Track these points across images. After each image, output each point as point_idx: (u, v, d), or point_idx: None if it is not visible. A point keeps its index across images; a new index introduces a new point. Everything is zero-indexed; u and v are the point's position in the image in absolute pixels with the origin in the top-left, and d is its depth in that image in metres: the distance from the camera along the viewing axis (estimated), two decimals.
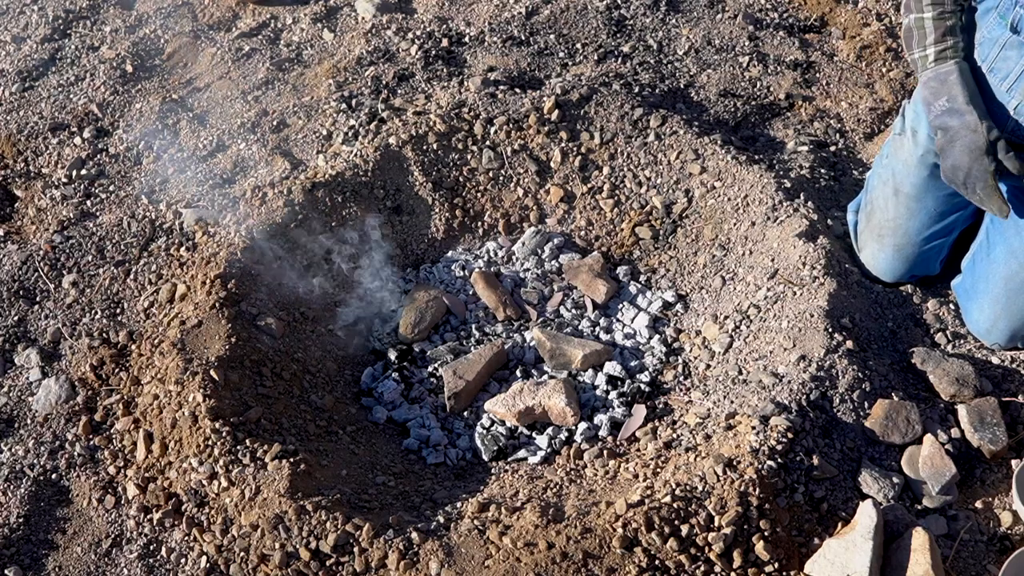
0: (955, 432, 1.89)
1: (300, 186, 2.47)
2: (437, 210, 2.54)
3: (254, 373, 2.07)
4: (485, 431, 2.10)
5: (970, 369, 1.96)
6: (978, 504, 1.83)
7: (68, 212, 2.60)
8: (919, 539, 1.63)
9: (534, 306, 2.37)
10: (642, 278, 2.43)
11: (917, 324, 2.18)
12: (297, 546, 1.72)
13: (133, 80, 3.10)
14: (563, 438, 2.06)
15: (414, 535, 1.71)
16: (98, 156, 2.81)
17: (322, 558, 1.72)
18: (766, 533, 1.67)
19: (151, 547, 1.85)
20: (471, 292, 2.41)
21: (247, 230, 2.35)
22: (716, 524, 1.66)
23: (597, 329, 2.31)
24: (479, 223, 2.56)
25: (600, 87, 2.68)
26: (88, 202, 2.64)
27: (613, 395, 2.12)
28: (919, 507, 1.80)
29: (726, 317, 2.21)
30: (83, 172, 2.74)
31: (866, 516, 1.66)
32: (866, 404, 1.90)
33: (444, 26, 3.15)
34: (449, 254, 2.52)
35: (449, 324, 2.37)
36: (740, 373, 2.04)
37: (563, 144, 2.57)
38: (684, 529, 1.64)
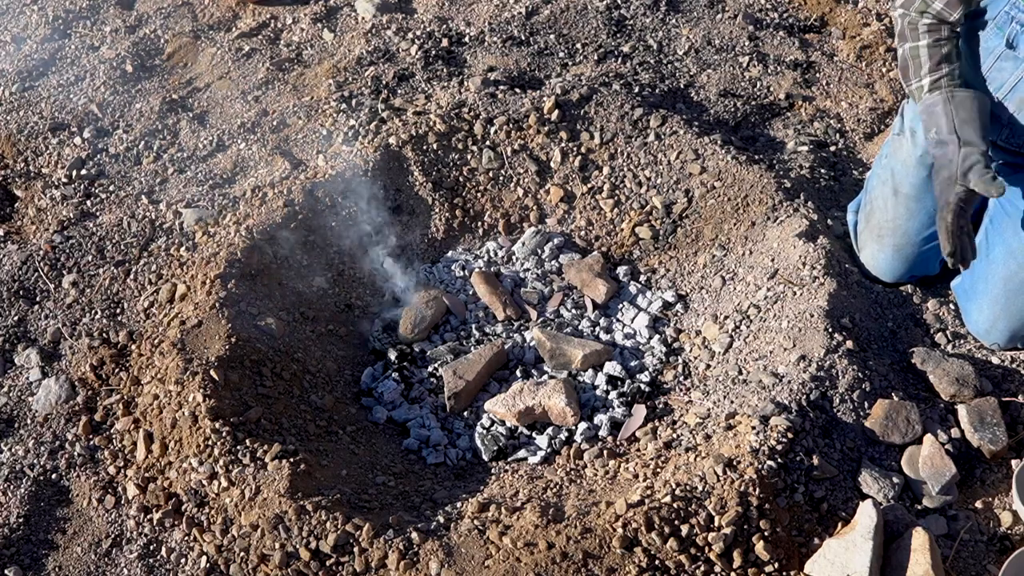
0: (955, 432, 1.89)
1: (300, 186, 2.47)
2: (437, 210, 2.54)
3: (254, 373, 2.07)
4: (485, 431, 2.10)
5: (970, 369, 1.96)
6: (978, 504, 1.83)
7: (68, 212, 2.60)
8: (919, 539, 1.63)
9: (534, 306, 2.37)
10: (642, 278, 2.43)
11: (917, 324, 2.18)
12: (297, 546, 1.72)
13: (133, 80, 3.10)
14: (563, 438, 2.06)
15: (414, 535, 1.71)
16: (98, 156, 2.81)
17: (322, 558, 1.72)
18: (766, 533, 1.67)
19: (151, 547, 1.85)
20: (471, 292, 2.41)
21: (247, 230, 2.35)
22: (716, 524, 1.66)
23: (597, 329, 2.32)
24: (479, 223, 2.56)
25: (600, 87, 2.68)
26: (88, 202, 2.64)
27: (613, 395, 2.12)
28: (919, 507, 1.80)
29: (726, 317, 2.21)
30: (83, 172, 2.74)
31: (866, 516, 1.66)
32: (866, 404, 1.90)
33: (444, 26, 3.15)
34: (449, 254, 2.52)
35: (449, 324, 2.37)
36: (740, 373, 2.04)
37: (563, 144, 2.57)
38: (684, 529, 1.64)
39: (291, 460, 1.86)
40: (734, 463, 1.75)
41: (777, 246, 2.27)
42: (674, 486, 1.73)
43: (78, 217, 2.58)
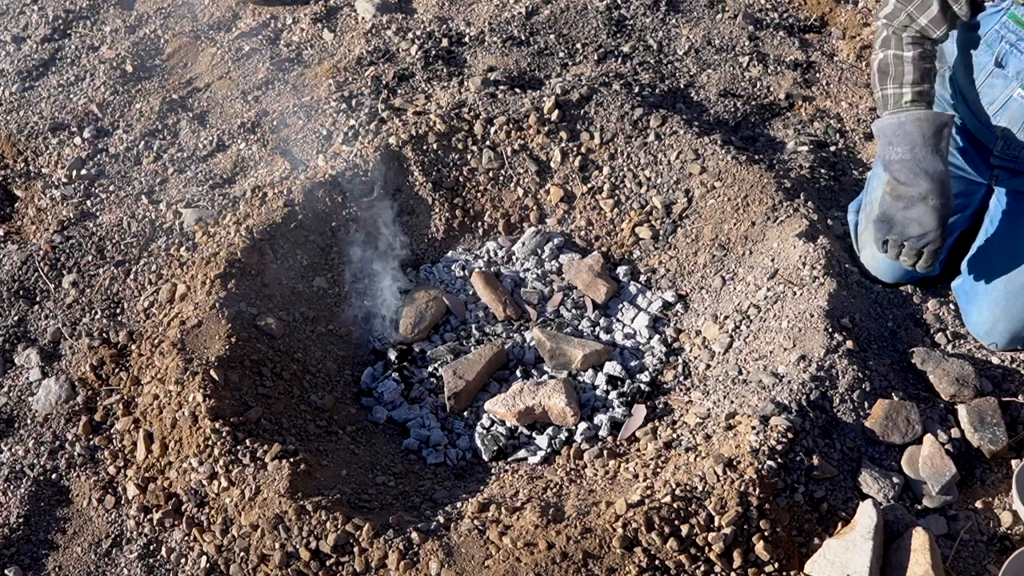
0: (955, 432, 1.89)
1: (300, 186, 2.47)
2: (437, 210, 2.54)
3: (254, 373, 2.07)
4: (485, 431, 2.10)
5: (970, 369, 1.96)
6: (978, 504, 1.83)
7: (68, 212, 2.60)
8: (919, 539, 1.63)
9: (534, 306, 2.37)
10: (642, 278, 2.43)
11: (917, 324, 2.18)
12: (297, 546, 1.72)
13: (133, 80, 3.10)
14: (563, 438, 2.06)
15: (414, 535, 1.71)
16: (98, 156, 2.81)
17: (322, 558, 1.72)
18: (766, 533, 1.67)
19: (151, 547, 1.85)
20: (471, 292, 2.41)
21: (247, 230, 2.35)
22: (716, 524, 1.66)
23: (597, 329, 2.31)
24: (479, 223, 2.56)
25: (600, 87, 2.68)
26: (88, 202, 2.64)
27: (613, 395, 2.12)
28: (919, 507, 1.80)
29: (726, 317, 2.21)
30: (83, 172, 2.74)
31: (866, 516, 1.66)
32: (866, 404, 1.90)
33: (444, 26, 3.15)
34: (449, 254, 2.52)
35: (449, 324, 2.37)
36: (740, 373, 2.04)
37: (563, 144, 2.57)
38: (684, 529, 1.64)
39: (291, 460, 1.86)
40: (734, 463, 1.75)
41: (777, 246, 2.27)
42: (674, 486, 1.73)
43: (78, 217, 2.58)
